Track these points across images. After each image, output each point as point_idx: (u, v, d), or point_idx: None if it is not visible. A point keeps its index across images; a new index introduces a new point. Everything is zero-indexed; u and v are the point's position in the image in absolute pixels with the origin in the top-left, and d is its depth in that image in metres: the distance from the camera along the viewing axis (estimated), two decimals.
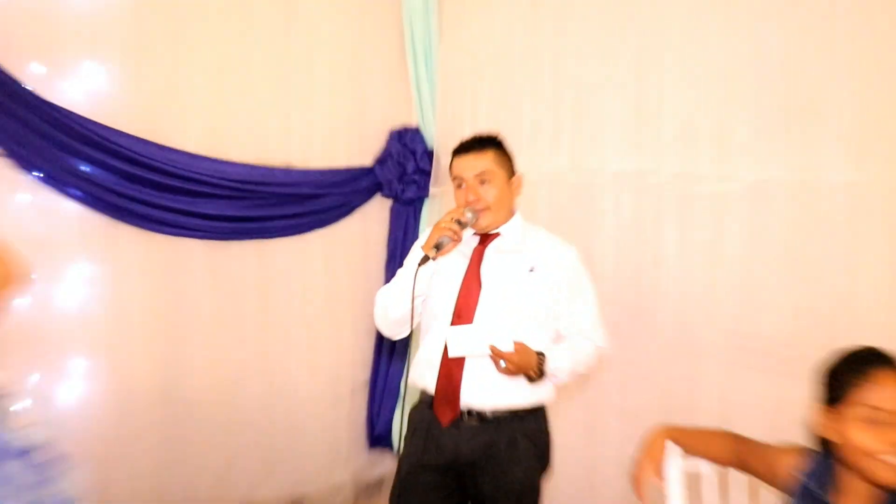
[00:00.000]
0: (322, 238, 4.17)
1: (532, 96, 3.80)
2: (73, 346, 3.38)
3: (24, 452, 1.95)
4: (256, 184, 3.75)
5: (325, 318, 4.22)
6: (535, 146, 3.77)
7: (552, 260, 2.64)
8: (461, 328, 2.50)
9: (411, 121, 4.37)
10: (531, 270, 2.62)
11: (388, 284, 2.67)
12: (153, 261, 3.58)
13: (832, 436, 1.86)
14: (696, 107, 3.22)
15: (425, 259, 2.51)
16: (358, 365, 4.39)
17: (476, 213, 2.61)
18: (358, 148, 4.26)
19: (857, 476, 1.84)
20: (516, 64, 3.87)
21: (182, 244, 3.65)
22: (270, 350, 4.01)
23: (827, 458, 1.92)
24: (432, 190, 4.28)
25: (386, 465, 4.46)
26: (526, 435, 2.60)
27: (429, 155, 4.29)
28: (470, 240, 2.70)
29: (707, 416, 3.12)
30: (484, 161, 2.64)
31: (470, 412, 2.57)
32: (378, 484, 4.43)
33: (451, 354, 2.48)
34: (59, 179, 3.26)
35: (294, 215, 3.97)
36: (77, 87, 3.30)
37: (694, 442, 2.21)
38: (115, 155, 3.34)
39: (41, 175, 3.23)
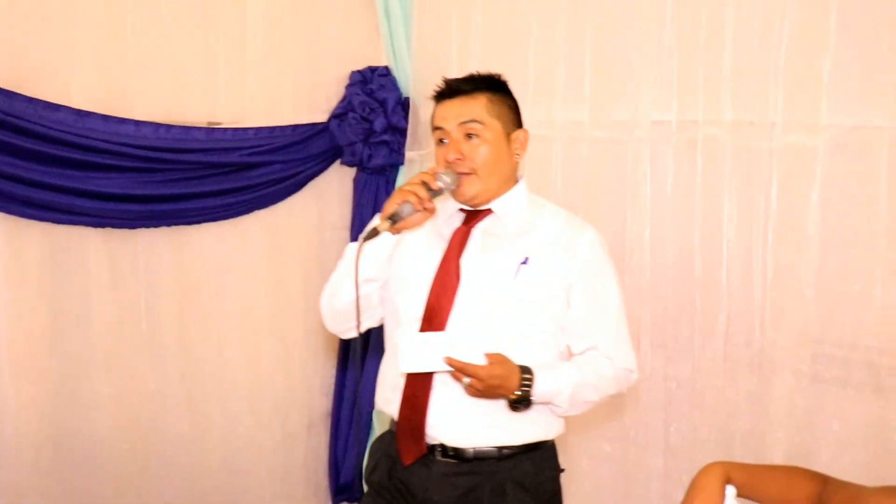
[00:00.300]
0: (263, 222, 4.17)
1: (541, 26, 3.79)
2: None
3: None
4: (170, 150, 3.73)
5: (271, 329, 4.24)
6: (545, 92, 3.75)
7: (558, 247, 2.57)
8: (418, 336, 2.43)
9: (378, 60, 4.36)
10: (524, 262, 2.54)
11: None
12: (31, 259, 3.56)
13: None
14: (763, 34, 3.21)
15: (373, 233, 2.41)
16: (316, 391, 4.40)
17: (457, 176, 2.51)
18: (307, 99, 4.24)
19: None
20: None
21: (71, 235, 3.63)
22: (197, 374, 4.03)
23: None
24: (409, 154, 4.28)
25: None
26: (518, 482, 2.54)
27: (403, 106, 4.29)
28: (452, 217, 2.64)
29: (779, 449, 3.15)
30: (473, 107, 2.55)
31: (443, 448, 2.54)
32: None
33: (401, 369, 2.44)
34: None
35: (222, 192, 3.95)
36: None
37: (760, 483, 2.18)
38: None
39: None
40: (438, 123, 2.58)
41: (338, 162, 4.36)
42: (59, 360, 3.65)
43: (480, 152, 2.53)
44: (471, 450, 2.52)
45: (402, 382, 2.56)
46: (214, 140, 3.86)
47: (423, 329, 2.51)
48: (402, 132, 4.27)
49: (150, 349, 3.87)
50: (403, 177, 4.35)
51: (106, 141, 3.55)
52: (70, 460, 3.69)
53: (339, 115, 4.25)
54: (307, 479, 4.41)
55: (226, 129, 3.91)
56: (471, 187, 2.53)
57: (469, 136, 2.53)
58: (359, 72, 4.30)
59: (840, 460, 3.08)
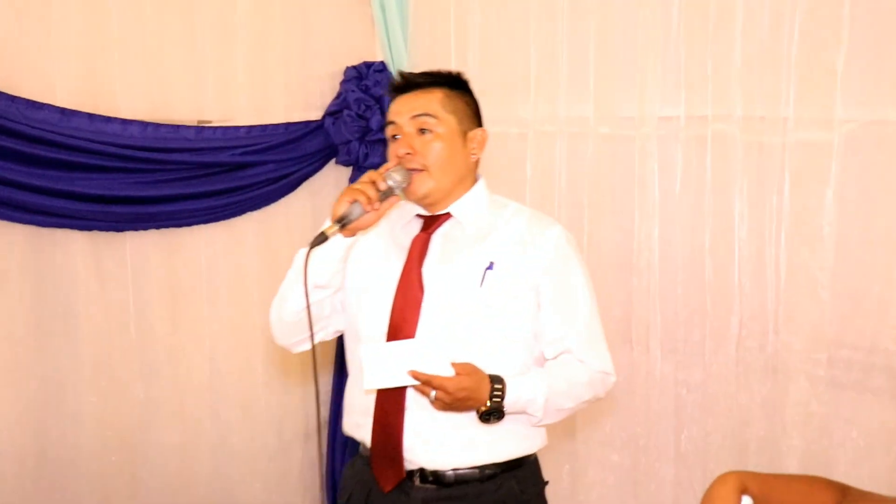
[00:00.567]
0: (256, 224, 4.15)
1: (542, 17, 3.79)
2: None
3: None
4: (158, 150, 3.71)
5: (265, 335, 4.16)
6: (547, 86, 3.77)
7: (522, 248, 2.52)
8: (383, 346, 2.38)
9: (374, 55, 4.34)
10: (489, 268, 2.49)
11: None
12: (14, 263, 3.53)
13: None
14: (774, 25, 3.21)
15: (321, 238, 2.34)
16: (311, 399, 4.36)
17: (408, 174, 2.45)
18: (301, 96, 4.21)
19: None
20: None
21: (55, 238, 3.61)
22: (188, 382, 4.00)
23: None
24: None
25: None
26: (504, 503, 2.51)
27: None
28: (410, 224, 2.60)
29: (794, 457, 3.17)
30: (427, 101, 2.52)
31: (422, 473, 2.48)
32: None
33: (364, 386, 2.35)
34: None
35: (213, 193, 3.92)
36: None
37: (778, 493, 2.18)
38: None
39: None
40: (391, 118, 2.55)
41: (333, 161, 4.34)
42: (44, 368, 3.62)
43: (433, 148, 2.48)
44: (451, 473, 2.47)
45: (371, 406, 2.50)
46: (204, 139, 3.83)
47: None
48: None
49: (140, 356, 3.84)
50: None
51: (92, 140, 3.52)
52: (55, 472, 3.66)
53: (333, 113, 4.23)
54: (303, 491, 4.40)
55: (216, 128, 3.88)
56: (422, 185, 2.48)
57: (422, 131, 2.49)
58: (353, 67, 4.27)
59: (859, 469, 3.07)
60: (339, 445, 4.38)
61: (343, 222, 2.33)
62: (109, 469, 3.78)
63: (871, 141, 3.06)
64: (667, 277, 3.45)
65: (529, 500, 2.57)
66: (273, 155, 4.04)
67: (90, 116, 3.54)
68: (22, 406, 3.57)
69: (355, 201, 2.33)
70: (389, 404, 2.46)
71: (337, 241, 2.38)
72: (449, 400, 2.31)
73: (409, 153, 2.46)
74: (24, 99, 3.40)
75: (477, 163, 2.61)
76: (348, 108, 4.20)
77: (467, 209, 2.55)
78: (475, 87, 3.84)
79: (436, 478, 2.47)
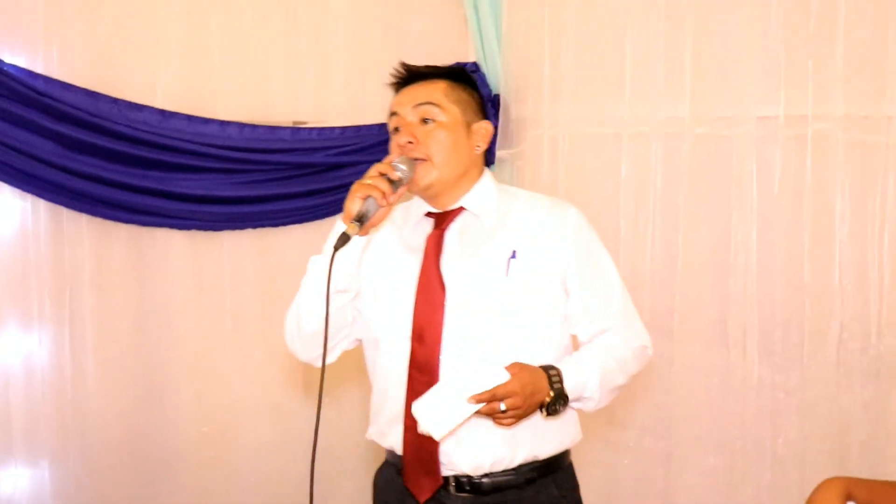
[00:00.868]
0: None
1: (638, 17, 3.75)
2: (6, 383, 3.45)
3: None
4: (255, 151, 3.77)
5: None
6: (643, 87, 3.73)
7: (544, 234, 2.43)
8: (426, 397, 2.19)
9: (467, 56, 4.33)
10: (513, 257, 2.40)
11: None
12: (113, 261, 3.62)
13: None
14: (877, 21, 3.18)
15: (344, 239, 2.21)
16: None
17: (413, 163, 2.36)
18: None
19: None
20: None
21: (155, 237, 3.69)
22: (282, 381, 4.05)
23: None
24: (499, 153, 4.23)
25: None
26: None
27: (493, 104, 4.24)
28: (420, 224, 2.51)
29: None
30: (431, 91, 2.46)
31: (458, 480, 2.39)
32: None
33: (438, 436, 2.20)
34: None
35: (308, 193, 3.97)
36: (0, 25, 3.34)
37: (885, 501, 2.17)
38: (56, 115, 3.36)
39: None
40: (393, 108, 2.49)
41: None
42: (144, 365, 3.71)
43: (435, 137, 2.40)
44: (488, 481, 2.37)
45: (400, 412, 2.39)
46: (300, 140, 3.88)
47: (415, 350, 2.37)
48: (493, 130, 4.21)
49: (235, 353, 3.90)
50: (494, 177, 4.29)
51: (190, 141, 3.60)
52: (154, 466, 3.75)
53: None
54: None
55: (311, 129, 3.93)
56: (425, 175, 2.38)
57: (425, 121, 2.42)
58: None
59: None
60: None
61: (362, 220, 2.23)
62: (206, 464, 3.86)
63: None
64: (764, 279, 3.40)
65: (570, 497, 2.51)
66: (367, 155, 4.03)
67: (189, 118, 3.61)
68: (123, 402, 3.66)
69: (369, 197, 2.24)
70: None
71: (355, 241, 2.27)
72: (521, 402, 2.18)
73: (411, 142, 2.39)
74: (125, 101, 3.49)
75: (482, 156, 2.54)
76: None
77: (480, 201, 2.47)
78: (569, 87, 3.87)
79: (472, 486, 2.38)
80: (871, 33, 3.17)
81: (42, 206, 3.45)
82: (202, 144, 3.62)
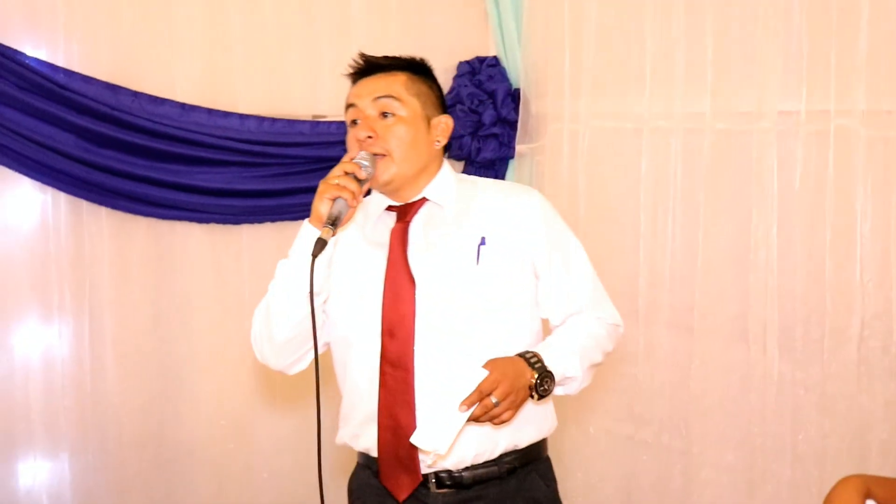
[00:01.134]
0: None
1: (658, 11, 3.75)
2: (25, 375, 3.48)
3: None
4: (274, 144, 3.79)
5: None
6: (663, 82, 3.72)
7: (511, 218, 2.40)
8: (420, 426, 2.14)
9: (487, 50, 4.34)
10: (483, 244, 2.36)
11: (267, 294, 2.39)
12: (133, 254, 3.65)
13: None
14: None
15: (321, 244, 2.15)
16: None
17: (374, 158, 2.30)
18: None
19: None
20: None
21: (173, 230, 3.72)
22: (301, 375, 4.00)
23: None
24: (519, 147, 4.26)
25: None
26: (529, 496, 2.41)
27: (513, 98, 4.26)
28: (381, 219, 2.45)
29: None
30: (390, 83, 2.39)
31: (438, 476, 2.34)
32: None
33: (443, 451, 2.14)
34: None
35: None
36: (21, 16, 3.35)
37: None
38: (76, 108, 3.38)
39: None
40: (351, 100, 2.42)
41: (445, 156, 4.31)
42: (163, 357, 3.74)
43: (395, 132, 2.35)
44: (468, 474, 2.33)
45: (373, 412, 2.34)
46: (319, 134, 3.88)
47: (386, 346, 2.31)
48: (513, 125, 4.24)
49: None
50: (513, 171, 4.33)
51: (210, 135, 3.62)
52: (173, 458, 3.78)
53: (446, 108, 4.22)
54: None
55: (331, 123, 3.93)
56: (385, 171, 2.33)
57: (384, 114, 2.36)
58: (467, 62, 4.28)
59: None
60: None
61: (336, 222, 2.18)
62: (225, 456, 3.88)
63: None
64: (785, 275, 3.38)
65: (553, 497, 2.50)
66: None
67: (209, 111, 3.63)
68: (142, 395, 3.69)
69: (339, 198, 2.18)
70: (398, 407, 2.31)
71: (329, 247, 2.21)
72: (509, 388, 2.12)
73: (370, 136, 2.33)
74: (146, 94, 3.51)
75: (442, 150, 2.49)
76: (461, 102, 4.21)
77: (442, 191, 2.43)
78: (589, 82, 3.86)
79: (453, 480, 2.34)
80: (894, 27, 3.14)
81: (62, 199, 3.48)
82: (222, 138, 3.64)
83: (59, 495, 3.56)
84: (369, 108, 2.36)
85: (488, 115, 4.19)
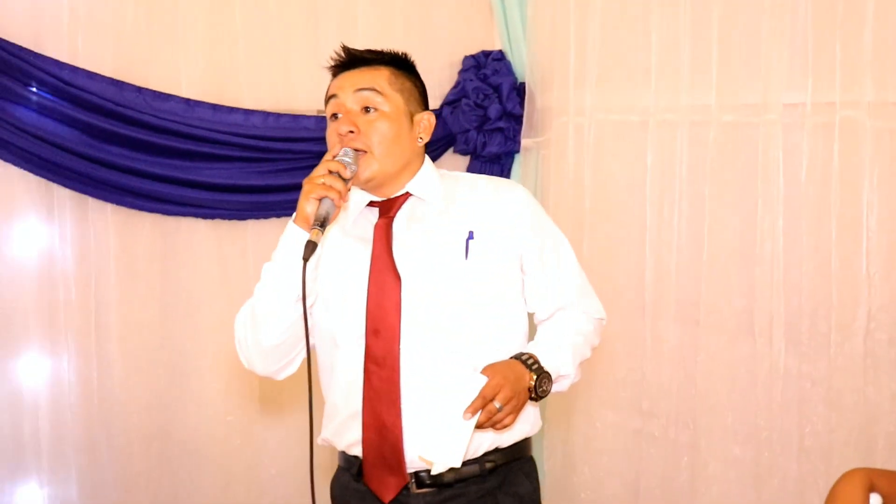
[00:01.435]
0: None
1: (664, 6, 3.74)
2: (32, 372, 3.49)
3: None
4: (279, 140, 3.79)
5: None
6: (669, 74, 3.72)
7: (497, 213, 2.34)
8: (428, 442, 2.08)
9: (493, 44, 4.34)
10: (471, 238, 2.31)
11: (252, 298, 2.31)
12: (138, 250, 3.66)
13: None
14: None
15: (312, 248, 2.07)
16: None
17: (356, 155, 2.22)
18: None
19: None
20: None
21: (178, 226, 3.73)
22: (306, 370, 4.02)
23: None
24: (525, 141, 4.25)
25: None
26: (513, 493, 2.34)
27: (519, 92, 4.26)
28: (363, 215, 2.38)
29: None
30: (373, 77, 2.32)
31: (418, 476, 2.26)
32: None
33: (457, 463, 2.07)
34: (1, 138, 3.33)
35: None
36: (25, 12, 3.36)
37: None
38: (81, 104, 3.40)
39: None
40: (332, 91, 2.36)
41: (451, 150, 4.34)
42: (170, 354, 3.74)
43: (377, 127, 2.27)
44: (450, 474, 2.23)
45: (360, 412, 2.27)
46: (324, 129, 3.83)
47: (371, 344, 2.24)
48: (518, 119, 4.23)
49: None
50: (519, 165, 4.32)
51: (215, 130, 3.63)
52: (179, 455, 3.79)
53: (451, 102, 4.24)
54: None
55: None
56: (366, 168, 2.24)
57: (366, 109, 2.29)
58: (472, 56, 4.27)
59: None
60: None
61: (324, 224, 2.10)
62: (231, 453, 3.88)
63: None
64: (791, 268, 3.37)
65: (536, 496, 2.42)
66: None
67: (214, 107, 3.63)
68: (149, 391, 3.70)
69: (326, 198, 2.11)
70: (383, 406, 2.25)
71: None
72: (511, 391, 2.09)
73: (351, 131, 2.25)
74: (150, 90, 3.52)
75: (423, 148, 2.41)
76: (466, 97, 4.20)
77: (425, 185, 2.37)
78: (594, 75, 3.86)
79: (433, 480, 2.26)
80: None
81: (67, 195, 3.49)
82: (227, 133, 3.65)
83: (65, 492, 3.57)
84: (351, 101, 2.30)
85: (494, 110, 4.19)
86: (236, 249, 3.84)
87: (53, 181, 3.44)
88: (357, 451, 2.30)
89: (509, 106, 4.20)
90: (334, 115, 2.33)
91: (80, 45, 3.44)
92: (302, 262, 2.07)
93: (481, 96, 4.19)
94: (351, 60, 2.37)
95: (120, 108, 3.43)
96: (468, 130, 4.20)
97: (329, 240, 2.35)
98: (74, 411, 3.56)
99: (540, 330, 2.41)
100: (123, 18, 3.52)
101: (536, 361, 2.19)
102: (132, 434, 3.66)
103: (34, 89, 3.33)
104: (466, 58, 4.27)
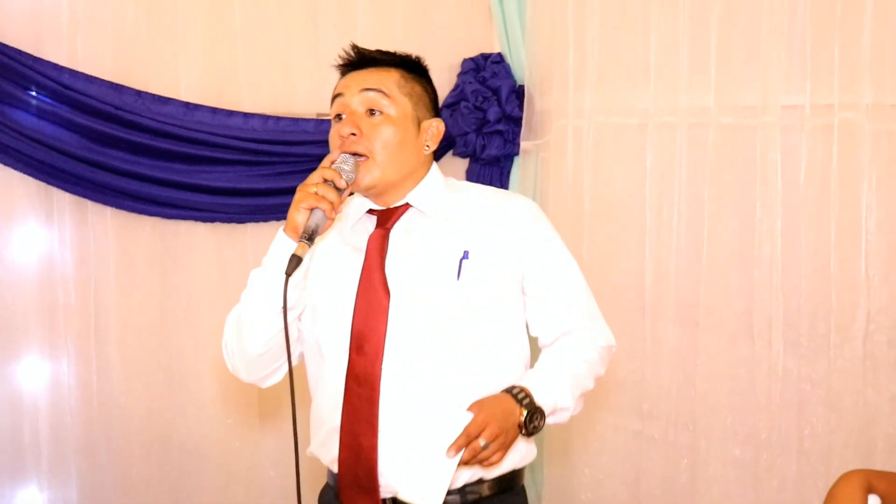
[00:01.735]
0: None
1: (662, 6, 3.73)
2: (31, 375, 3.51)
3: None
4: (279, 143, 3.80)
5: None
6: (667, 77, 3.71)
7: (498, 229, 2.24)
8: (409, 481, 2.00)
9: (491, 47, 4.34)
10: (464, 257, 2.19)
11: (240, 304, 2.25)
12: (138, 254, 3.68)
13: None
14: None
15: (296, 262, 1.99)
16: None
17: (355, 162, 2.13)
18: None
19: None
20: None
21: (178, 230, 3.74)
22: (305, 372, 4.03)
23: None
24: (524, 144, 4.25)
25: None
26: None
27: (518, 94, 4.25)
28: (361, 221, 2.30)
29: None
30: (382, 78, 2.23)
31: (396, 501, 2.13)
32: None
33: (439, 502, 1.99)
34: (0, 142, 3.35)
35: None
36: (25, 16, 3.38)
37: None
38: (80, 107, 3.42)
39: None
40: (338, 90, 2.26)
41: (450, 153, 4.34)
42: (169, 357, 3.75)
43: (381, 132, 2.17)
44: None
45: (338, 428, 2.19)
46: (323, 132, 3.82)
47: (353, 361, 2.16)
48: (517, 121, 4.23)
49: None
50: (518, 168, 4.31)
51: (215, 134, 3.63)
52: (179, 458, 3.79)
53: (450, 105, 4.24)
54: None
55: None
56: (366, 174, 2.15)
57: (371, 112, 2.19)
58: (471, 59, 4.27)
59: None
60: None
61: (312, 237, 2.01)
62: (230, 456, 3.88)
63: None
64: (790, 271, 3.36)
65: None
66: None
67: (213, 110, 3.63)
68: (149, 394, 3.70)
69: (316, 209, 2.02)
70: (361, 426, 2.15)
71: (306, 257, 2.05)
72: (497, 429, 1.99)
73: (353, 134, 2.15)
74: (150, 93, 3.52)
75: (431, 157, 2.32)
76: (465, 99, 4.20)
77: (428, 197, 2.26)
78: (594, 77, 3.86)
79: None
80: None
81: (66, 198, 3.50)
82: (226, 137, 3.65)
83: (65, 495, 3.58)
84: (356, 102, 2.20)
85: (493, 112, 4.19)
86: (236, 253, 3.84)
87: (53, 185, 3.45)
88: (336, 468, 2.23)
89: (508, 108, 4.20)
90: (338, 116, 2.23)
91: (80, 48, 3.45)
92: (285, 276, 1.99)
93: (480, 99, 4.19)
94: (360, 60, 2.28)
95: (119, 112, 3.43)
96: (467, 133, 4.21)
97: (325, 245, 2.30)
98: (74, 414, 3.57)
99: (541, 356, 2.29)
100: (123, 21, 3.52)
101: (528, 396, 2.08)
102: (132, 437, 3.66)
103: (33, 93, 3.34)
104: (465, 60, 4.27)
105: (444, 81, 4.26)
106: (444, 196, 2.29)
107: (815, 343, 3.35)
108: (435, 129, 2.29)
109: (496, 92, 4.21)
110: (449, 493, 2.05)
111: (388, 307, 2.16)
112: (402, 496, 2.02)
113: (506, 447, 2.02)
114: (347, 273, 2.22)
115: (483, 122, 4.20)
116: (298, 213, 2.03)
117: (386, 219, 2.25)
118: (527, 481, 2.40)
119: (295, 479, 2.05)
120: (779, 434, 3.46)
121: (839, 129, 3.28)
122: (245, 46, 3.76)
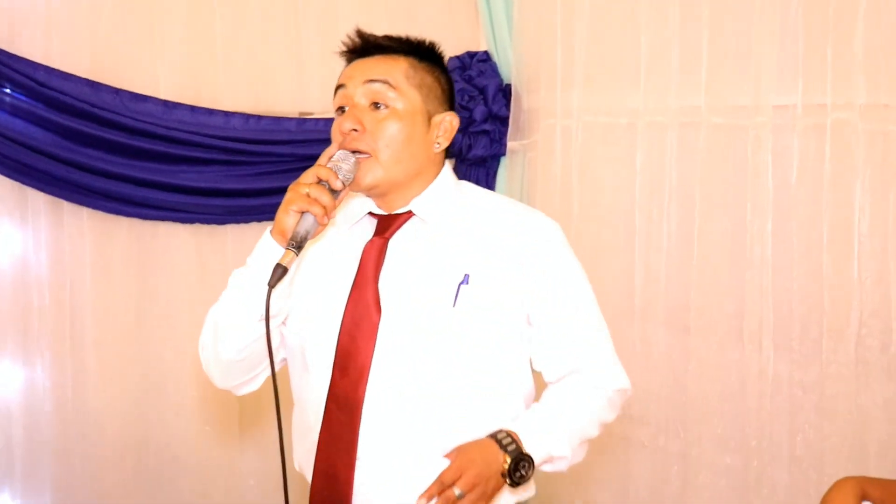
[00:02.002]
0: None
1: (653, 6, 3.73)
2: (5, 379, 3.52)
3: None
4: (260, 142, 3.79)
5: None
6: (658, 76, 3.70)
7: (507, 252, 2.08)
8: None
9: (478, 45, 4.32)
10: (465, 282, 2.03)
11: (218, 304, 2.09)
12: (115, 256, 3.67)
13: None
14: None
15: (280, 272, 1.85)
16: None
17: (355, 161, 1.97)
18: None
19: None
20: None
21: (156, 231, 3.73)
22: (287, 377, 4.01)
23: None
24: (511, 144, 4.23)
25: None
26: None
27: (504, 94, 4.24)
28: (361, 224, 2.15)
29: None
30: (389, 67, 2.06)
31: None
32: None
33: None
34: None
35: None
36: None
37: None
38: (56, 105, 3.40)
39: None
40: (341, 80, 2.09)
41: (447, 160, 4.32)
42: (146, 360, 3.74)
43: (385, 128, 2.01)
44: None
45: (314, 438, 2.06)
46: (306, 131, 3.88)
47: (336, 381, 2.01)
48: (504, 121, 4.21)
49: None
50: (505, 169, 4.29)
51: (194, 133, 3.62)
52: (156, 462, 3.79)
53: None
54: None
55: (318, 120, 3.92)
56: (368, 173, 1.99)
57: (376, 105, 2.03)
58: (457, 57, 4.25)
59: None
60: None
61: (300, 244, 1.87)
62: (209, 461, 3.88)
63: None
64: (781, 273, 3.37)
65: None
66: None
67: (192, 109, 3.63)
68: (125, 398, 3.69)
69: (307, 213, 1.87)
70: (338, 453, 2.01)
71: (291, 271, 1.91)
72: (475, 478, 1.85)
73: (355, 129, 2.00)
74: (127, 91, 3.52)
75: (442, 155, 2.15)
76: None
77: (434, 205, 2.10)
78: (582, 76, 3.85)
79: None
80: (892, 19, 3.13)
81: (41, 198, 3.49)
82: (206, 136, 3.64)
83: (39, 502, 3.56)
84: (359, 95, 2.04)
85: (479, 112, 4.16)
86: (216, 255, 3.84)
87: (27, 185, 3.44)
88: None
89: (495, 108, 4.19)
90: (341, 109, 2.08)
91: (55, 45, 3.44)
92: (268, 288, 1.86)
93: (466, 98, 4.17)
94: (365, 47, 2.11)
95: (96, 110, 3.43)
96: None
97: (319, 245, 2.13)
98: (48, 419, 3.55)
99: (543, 396, 2.14)
100: (99, 18, 3.51)
101: (514, 441, 1.94)
102: (108, 443, 3.65)
103: (7, 90, 3.34)
104: (451, 59, 4.25)
105: None
106: (452, 205, 2.13)
107: (807, 347, 3.36)
108: (448, 123, 2.12)
109: (482, 91, 4.19)
110: None
111: (377, 326, 2.01)
112: None
113: (487, 498, 1.90)
114: (339, 279, 2.07)
115: (469, 121, 4.18)
116: (288, 215, 1.88)
117: (386, 226, 2.10)
118: None
119: (282, 489, 1.97)
120: (770, 440, 3.46)
121: (832, 129, 3.28)
122: (225, 43, 3.76)
